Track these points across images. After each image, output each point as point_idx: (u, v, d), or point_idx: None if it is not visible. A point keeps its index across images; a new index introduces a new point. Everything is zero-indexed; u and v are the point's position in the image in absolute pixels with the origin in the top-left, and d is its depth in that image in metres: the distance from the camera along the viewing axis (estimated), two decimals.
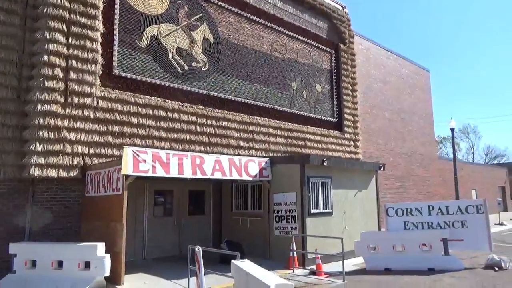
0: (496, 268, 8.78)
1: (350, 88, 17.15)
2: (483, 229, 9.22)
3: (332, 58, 16.67)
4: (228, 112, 12.17)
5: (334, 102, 16.48)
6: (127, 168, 7.54)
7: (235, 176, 9.57)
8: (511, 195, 39.15)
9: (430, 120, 24.52)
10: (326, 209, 10.30)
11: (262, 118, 13.22)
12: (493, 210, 26.95)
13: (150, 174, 7.92)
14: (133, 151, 7.71)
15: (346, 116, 16.67)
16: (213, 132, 11.54)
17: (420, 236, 9.32)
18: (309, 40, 15.57)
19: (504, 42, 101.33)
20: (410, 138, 22.17)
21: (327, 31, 16.66)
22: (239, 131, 12.32)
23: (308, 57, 15.57)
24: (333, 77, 16.59)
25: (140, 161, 7.75)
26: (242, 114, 12.56)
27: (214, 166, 9.03)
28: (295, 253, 9.11)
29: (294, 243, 9.10)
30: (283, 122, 13.93)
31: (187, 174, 8.45)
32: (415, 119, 22.92)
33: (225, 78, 12.40)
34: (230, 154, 11.13)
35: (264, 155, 12.62)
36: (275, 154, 13.16)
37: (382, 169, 12.12)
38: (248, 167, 9.85)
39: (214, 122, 11.65)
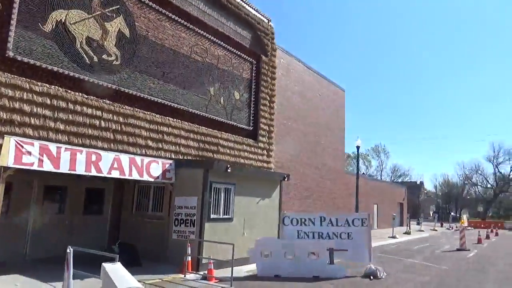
0: (372, 277, 9.63)
1: (268, 99, 17.71)
2: (365, 241, 10.09)
3: (253, 68, 17.08)
4: (138, 110, 11.80)
5: (251, 111, 16.87)
6: (7, 159, 6.94)
7: (135, 176, 9.33)
8: (407, 211, 43.32)
9: (341, 137, 26.25)
10: (226, 215, 10.48)
11: (175, 120, 13.05)
12: (389, 224, 29.57)
13: (35, 167, 7.39)
14: (16, 141, 7.13)
15: (261, 125, 17.16)
16: (119, 129, 11.10)
17: (309, 245, 9.90)
18: (231, 48, 15.78)
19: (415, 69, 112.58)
20: (321, 152, 23.49)
21: (250, 41, 17.06)
22: (149, 131, 12.01)
23: (229, 64, 15.77)
24: (253, 86, 16.99)
25: (24, 153, 7.20)
26: (153, 114, 12.28)
27: (112, 164, 8.72)
28: (189, 257, 9.10)
29: (189, 248, 9.08)
30: (197, 126, 13.89)
31: (80, 170, 8.04)
32: (328, 134, 24.37)
33: (139, 75, 12.04)
34: (134, 153, 10.83)
35: (174, 157, 12.47)
36: (186, 157, 13.07)
37: (286, 179, 12.68)
38: (150, 168, 9.67)
39: (121, 119, 11.21)
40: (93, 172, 8.30)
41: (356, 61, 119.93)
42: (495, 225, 47.26)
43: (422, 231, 34.19)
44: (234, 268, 8.34)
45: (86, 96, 10.45)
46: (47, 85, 9.62)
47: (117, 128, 11.03)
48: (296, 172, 20.97)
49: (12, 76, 9.00)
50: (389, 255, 14.92)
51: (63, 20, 10.12)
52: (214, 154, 14.41)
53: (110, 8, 11.30)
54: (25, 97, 9.10)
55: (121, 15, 11.57)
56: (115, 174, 8.79)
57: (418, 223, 41.49)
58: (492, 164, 78.63)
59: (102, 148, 10.17)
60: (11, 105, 8.84)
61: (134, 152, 11.12)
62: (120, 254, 8.80)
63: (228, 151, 15.12)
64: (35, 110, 9.26)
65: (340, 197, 25.95)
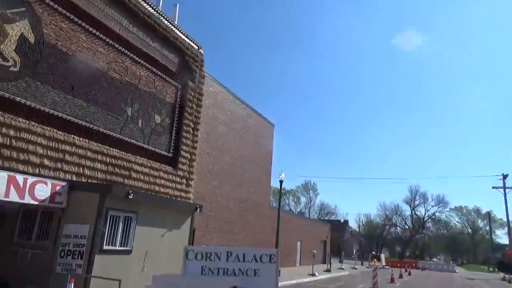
0: None
1: (192, 126, 17.11)
2: (272, 279, 9.55)
3: (178, 92, 16.51)
4: (35, 124, 10.53)
5: (173, 137, 16.10)
6: None
7: (13, 198, 8.03)
8: (330, 249, 44.08)
9: (268, 171, 26.20)
10: (124, 246, 9.39)
11: (81, 139, 11.86)
12: (309, 261, 29.58)
13: None
14: None
15: (183, 153, 16.39)
16: (7, 144, 9.71)
17: (212, 282, 9.13)
18: (155, 69, 15.13)
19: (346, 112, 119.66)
20: (246, 185, 23.11)
21: (178, 66, 16.56)
22: (46, 148, 10.70)
23: (151, 85, 15.04)
24: (176, 111, 16.33)
25: None
26: (54, 130, 11.03)
27: None
28: None
29: (71, 284, 7.85)
30: (107, 147, 12.78)
31: None
32: (254, 168, 24.15)
33: (42, 86, 10.85)
34: (26, 173, 9.48)
35: (76, 179, 11.20)
36: (90, 181, 11.83)
37: (199, 210, 11.93)
38: (35, 189, 8.43)
39: (12, 132, 9.85)
40: None
41: (289, 96, 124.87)
42: (409, 264, 49.74)
43: (343, 269, 34.74)
44: None
45: None
46: None
47: (4, 142, 9.64)
48: (218, 204, 20.27)
49: None
50: None
51: None
52: (125, 179, 13.28)
53: (13, 10, 10.19)
54: None
55: (26, 19, 10.47)
56: None
57: (340, 261, 42.28)
58: (410, 206, 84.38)
59: None
60: None
61: (24, 171, 9.76)
62: None
63: (142, 177, 14.06)
64: None
65: (263, 232, 25.52)
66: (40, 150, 10.51)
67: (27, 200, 8.27)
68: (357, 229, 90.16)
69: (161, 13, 15.63)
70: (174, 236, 10.99)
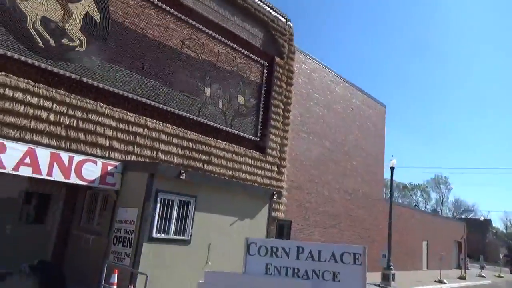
0: None
1: (282, 107, 15.36)
2: (357, 285, 7.15)
3: (264, 70, 14.94)
4: (103, 105, 10.11)
5: (260, 119, 14.61)
6: None
7: (58, 177, 7.45)
8: (468, 252, 37.47)
9: (380, 159, 22.87)
10: (180, 235, 8.15)
11: (154, 121, 11.18)
12: (436, 265, 25.08)
13: None
14: None
15: (272, 137, 14.77)
16: (75, 125, 9.40)
17: (278, 286, 7.21)
18: (235, 46, 13.83)
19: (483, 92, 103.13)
20: (353, 174, 20.37)
21: (262, 40, 15.01)
22: (116, 130, 10.22)
23: (232, 63, 13.78)
24: (262, 91, 14.80)
25: None
26: (124, 111, 10.52)
27: (21, 158, 6.90)
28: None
29: (116, 275, 6.90)
30: (183, 130, 11.91)
31: None
32: (362, 155, 21.21)
33: (110, 65, 10.42)
34: (94, 155, 9.06)
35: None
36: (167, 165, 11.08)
37: (276, 197, 10.11)
38: (83, 168, 7.75)
39: (79, 113, 9.54)
40: None
41: (402, 75, 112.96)
42: None
43: (483, 276, 28.78)
44: None
45: (33, 84, 8.93)
46: None
47: (71, 124, 9.35)
48: (319, 195, 18.12)
49: None
50: None
51: None
52: (205, 164, 12.26)
53: None
54: None
55: None
56: (25, 171, 6.99)
57: (481, 267, 35.57)
58: None
59: (51, 146, 8.51)
60: None
61: (94, 154, 9.36)
62: (40, 276, 6.88)
63: (224, 162, 12.89)
64: None
65: (376, 229, 22.34)
66: (109, 132, 10.06)
67: (73, 179, 7.67)
68: (504, 230, 76.45)
69: None
70: (247, 226, 9.41)
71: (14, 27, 8.79)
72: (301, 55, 17.60)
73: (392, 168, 17.55)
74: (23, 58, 8.86)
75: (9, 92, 8.46)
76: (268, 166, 14.50)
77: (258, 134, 14.46)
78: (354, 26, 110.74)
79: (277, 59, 15.30)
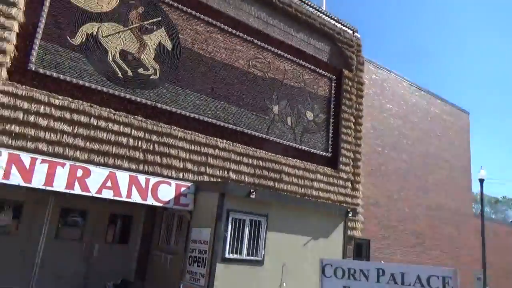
0: None
1: (353, 120, 14.77)
2: None
3: (333, 84, 14.57)
4: (177, 128, 10.53)
5: (330, 134, 14.18)
6: None
7: (136, 199, 7.80)
8: None
9: (466, 171, 20.85)
10: (253, 255, 8.01)
11: (224, 141, 11.38)
12: None
13: None
14: None
15: (344, 152, 14.22)
16: (151, 149, 9.90)
17: None
18: (301, 61, 13.70)
19: None
20: (435, 189, 18.77)
21: (329, 54, 14.72)
22: (189, 152, 10.57)
23: (299, 79, 13.65)
24: (331, 106, 14.40)
25: None
26: (196, 133, 10.85)
27: (104, 182, 7.36)
28: None
29: None
30: (253, 149, 11.95)
31: (59, 186, 6.87)
32: (445, 167, 19.52)
33: (181, 90, 10.89)
34: (169, 177, 9.45)
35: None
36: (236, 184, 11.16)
37: (351, 215, 9.57)
38: (158, 190, 8.05)
39: (154, 137, 10.04)
40: (77, 190, 7.07)
41: (487, 78, 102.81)
42: None
43: None
44: None
45: (114, 112, 9.61)
46: (69, 98, 9.05)
47: (148, 148, 9.87)
48: (399, 212, 16.94)
49: (31, 89, 8.63)
50: None
51: (94, 33, 9.67)
52: (276, 183, 12.13)
53: (150, 21, 10.60)
54: (41, 111, 8.59)
55: (162, 27, 10.76)
56: (107, 194, 7.42)
57: None
58: None
59: (130, 170, 9.04)
60: (26, 119, 8.39)
61: (169, 175, 9.76)
62: None
63: (295, 180, 12.64)
64: (52, 124, 8.66)
65: (468, 248, 20.19)
66: (182, 154, 10.43)
67: (150, 201, 7.97)
68: None
69: (304, 0, 14.23)
70: (321, 246, 8.99)
71: (97, 61, 9.60)
72: (371, 66, 16.92)
73: (481, 181, 15.85)
74: (105, 89, 9.61)
75: (93, 121, 9.20)
76: (341, 182, 13.94)
77: (329, 150, 14.02)
78: (426, 33, 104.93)
79: (346, 72, 14.85)
